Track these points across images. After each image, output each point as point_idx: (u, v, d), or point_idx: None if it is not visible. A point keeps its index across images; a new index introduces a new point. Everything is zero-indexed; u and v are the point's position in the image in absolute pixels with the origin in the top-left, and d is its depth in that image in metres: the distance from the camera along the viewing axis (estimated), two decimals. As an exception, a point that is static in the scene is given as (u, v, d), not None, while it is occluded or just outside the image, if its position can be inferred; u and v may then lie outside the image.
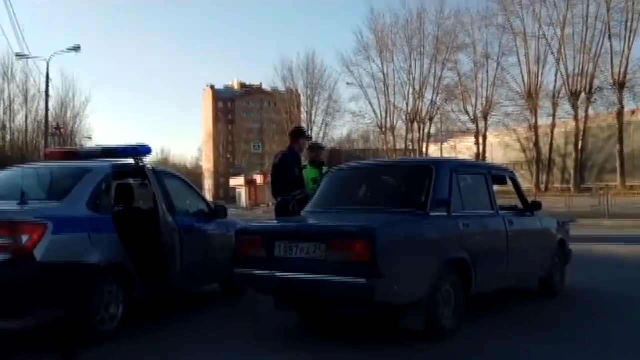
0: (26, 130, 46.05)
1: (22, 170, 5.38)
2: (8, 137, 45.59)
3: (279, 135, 53.98)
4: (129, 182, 6.21)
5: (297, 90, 58.54)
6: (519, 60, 44.45)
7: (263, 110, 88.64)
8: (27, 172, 5.24)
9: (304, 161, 7.25)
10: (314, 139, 48.07)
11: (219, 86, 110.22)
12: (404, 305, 4.28)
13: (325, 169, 7.22)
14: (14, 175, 5.31)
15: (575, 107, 40.88)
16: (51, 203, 4.67)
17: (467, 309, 4.76)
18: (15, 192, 4.51)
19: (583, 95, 40.33)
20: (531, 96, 43.13)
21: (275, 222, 5.75)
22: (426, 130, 50.59)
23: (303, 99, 58.01)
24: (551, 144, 43.09)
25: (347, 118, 54.53)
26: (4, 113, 44.56)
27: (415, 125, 50.60)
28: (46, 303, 4.29)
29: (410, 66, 50.59)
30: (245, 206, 54.20)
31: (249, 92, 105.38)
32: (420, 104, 50.50)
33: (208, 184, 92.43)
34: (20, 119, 45.90)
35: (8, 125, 45.23)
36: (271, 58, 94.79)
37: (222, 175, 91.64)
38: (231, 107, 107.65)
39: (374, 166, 6.16)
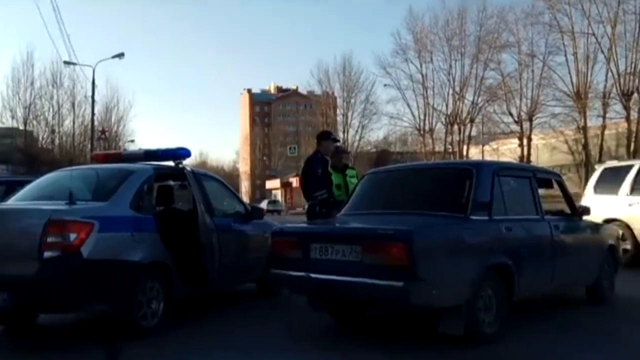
0: (73, 134, 47.44)
1: (70, 172, 5.57)
2: (57, 141, 47.08)
3: (314, 138, 53.86)
4: (169, 183, 6.35)
5: (333, 93, 58.38)
6: (567, 59, 43.01)
7: (299, 113, 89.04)
8: (74, 174, 5.41)
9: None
10: (350, 142, 47.79)
11: (255, 90, 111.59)
12: (442, 309, 4.23)
13: (350, 171, 7.21)
14: (62, 176, 5.49)
15: (627, 108, 39.36)
16: (97, 203, 4.83)
17: (510, 315, 4.66)
18: (64, 192, 4.68)
19: (635, 95, 38.86)
20: (580, 96, 41.77)
21: (311, 224, 5.76)
22: (467, 132, 49.65)
23: (339, 101, 57.81)
24: (601, 146, 41.65)
25: (384, 120, 53.93)
26: (53, 118, 46.00)
27: (455, 127, 49.73)
28: (92, 298, 4.44)
29: (450, 67, 49.73)
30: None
31: (286, 95, 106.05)
32: (461, 105, 49.62)
33: (245, 186, 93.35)
34: (68, 123, 47.32)
35: (57, 130, 46.72)
36: (307, 61, 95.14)
37: (258, 177, 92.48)
38: (268, 110, 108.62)
39: (412, 169, 6.11)
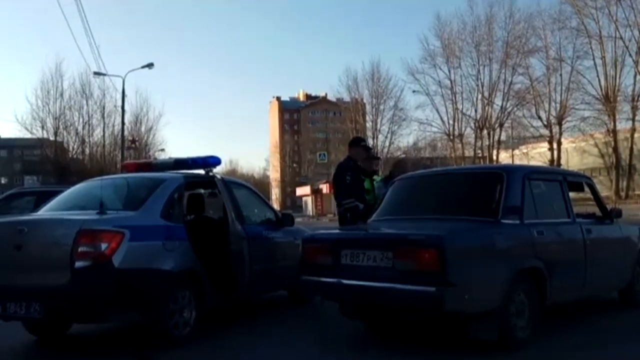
0: (104, 144, 48.42)
1: (100, 181, 5.64)
2: (87, 151, 48.14)
3: (344, 144, 53.76)
4: (199, 192, 6.40)
5: (362, 100, 58.43)
6: (595, 63, 42.50)
7: (328, 120, 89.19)
8: (105, 184, 5.46)
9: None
10: (379, 148, 47.64)
11: (285, 97, 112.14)
12: (474, 314, 4.18)
13: (377, 178, 7.23)
14: (93, 186, 5.58)
15: (656, 111, 38.64)
16: (128, 212, 4.88)
17: (542, 320, 4.58)
18: (95, 202, 4.76)
19: (665, 97, 38.08)
20: (609, 99, 41.12)
21: (342, 230, 5.76)
22: (496, 137, 49.21)
23: (368, 107, 57.85)
24: (631, 149, 40.92)
25: (414, 126, 53.68)
26: (83, 128, 47.09)
27: (485, 132, 49.32)
28: (123, 308, 4.47)
29: (479, 72, 49.46)
30: (311, 214, 54.58)
31: (315, 102, 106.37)
32: (490, 110, 49.22)
33: (275, 193, 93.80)
34: (98, 133, 48.41)
35: (87, 140, 47.78)
36: (336, 68, 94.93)
37: (288, 184, 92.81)
38: (297, 117, 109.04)
39: (443, 174, 6.06)
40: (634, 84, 40.45)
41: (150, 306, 4.58)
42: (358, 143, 7.32)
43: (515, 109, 47.71)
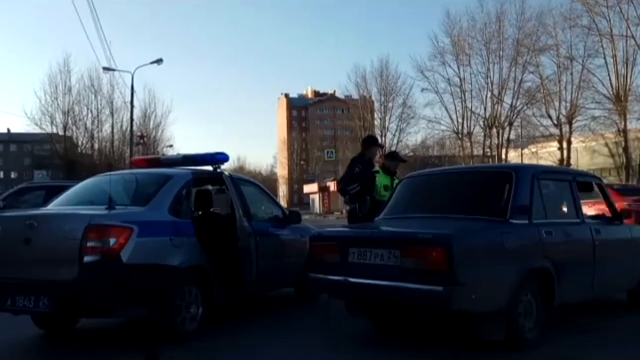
0: (113, 140, 48.54)
1: (109, 177, 5.66)
2: (96, 146, 48.30)
3: (352, 142, 53.91)
4: (207, 188, 6.42)
5: (370, 97, 58.24)
6: (606, 62, 42.05)
7: (336, 118, 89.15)
8: (114, 179, 5.48)
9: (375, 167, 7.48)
10: (387, 146, 47.56)
11: (293, 94, 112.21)
12: (482, 314, 4.16)
13: (396, 180, 7.31)
14: (102, 182, 5.59)
15: (667, 110, 38.30)
16: (136, 208, 4.88)
17: (551, 320, 4.57)
18: (104, 198, 4.78)
19: (676, 97, 37.72)
20: (620, 99, 40.76)
21: (350, 228, 5.75)
22: (506, 136, 48.87)
23: (377, 105, 57.65)
24: (643, 150, 40.62)
25: (422, 124, 53.31)
26: (92, 123, 47.19)
27: (494, 130, 49.04)
28: (131, 303, 4.49)
29: (489, 70, 49.09)
30: (318, 212, 54.60)
31: (323, 99, 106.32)
32: (500, 108, 48.88)
33: (282, 191, 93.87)
34: (107, 129, 48.49)
35: (96, 135, 47.92)
36: (344, 65, 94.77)
37: (296, 182, 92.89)
38: (305, 115, 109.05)
39: (452, 173, 6.05)
40: (646, 83, 40.12)
41: (157, 302, 4.59)
42: (370, 141, 7.63)
43: (525, 107, 47.36)
